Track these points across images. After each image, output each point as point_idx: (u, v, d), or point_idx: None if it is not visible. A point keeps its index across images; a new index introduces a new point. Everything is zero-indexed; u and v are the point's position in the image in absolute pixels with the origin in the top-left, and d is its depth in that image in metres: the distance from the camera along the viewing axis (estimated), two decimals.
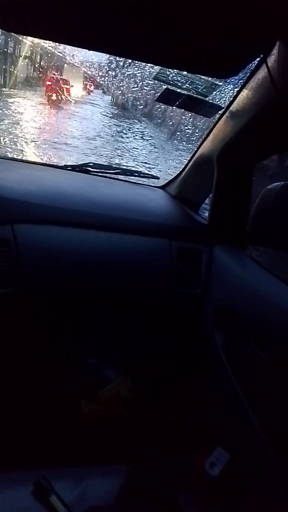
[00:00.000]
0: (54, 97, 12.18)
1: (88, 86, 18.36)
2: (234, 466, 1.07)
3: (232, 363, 1.11)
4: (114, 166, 1.69)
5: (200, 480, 1.08)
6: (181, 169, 1.54)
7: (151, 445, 1.23)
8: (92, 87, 18.65)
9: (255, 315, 1.04)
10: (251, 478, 1.00)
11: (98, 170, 1.59)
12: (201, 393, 1.33)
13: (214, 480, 1.06)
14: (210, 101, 1.20)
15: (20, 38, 13.25)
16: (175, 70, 1.12)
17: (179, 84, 1.16)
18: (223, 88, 1.16)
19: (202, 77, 1.11)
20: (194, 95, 1.18)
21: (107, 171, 1.61)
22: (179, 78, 1.14)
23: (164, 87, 1.18)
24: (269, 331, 0.98)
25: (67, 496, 0.88)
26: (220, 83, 1.13)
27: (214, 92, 1.17)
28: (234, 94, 1.10)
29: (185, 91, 1.18)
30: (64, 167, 1.60)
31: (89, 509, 0.88)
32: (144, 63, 1.33)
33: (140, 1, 0.69)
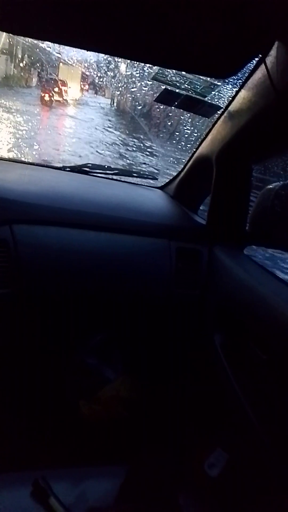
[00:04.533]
0: (47, 98, 11.91)
1: (83, 86, 18.02)
2: (234, 467, 1.07)
3: (231, 363, 1.11)
4: (113, 166, 1.68)
5: (199, 480, 1.08)
6: (179, 170, 1.54)
7: (150, 446, 1.23)
8: (86, 86, 18.38)
9: (254, 315, 1.04)
10: (250, 478, 1.00)
11: (96, 170, 1.59)
12: (200, 394, 1.33)
13: (213, 481, 1.06)
14: (209, 101, 1.20)
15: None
16: (174, 70, 1.12)
17: (178, 84, 1.16)
18: (222, 88, 1.16)
19: (201, 77, 1.12)
20: (193, 95, 1.18)
21: (105, 171, 1.61)
22: (178, 79, 1.15)
23: (163, 87, 1.18)
24: (268, 331, 0.98)
25: (66, 497, 0.88)
26: (219, 83, 1.14)
27: (213, 92, 1.17)
28: (233, 94, 1.10)
29: (184, 91, 1.18)
30: (63, 168, 1.60)
31: (88, 510, 0.87)
32: (143, 64, 1.34)
33: (139, 2, 0.69)
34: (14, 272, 1.10)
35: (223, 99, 1.18)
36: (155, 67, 1.13)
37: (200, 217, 1.46)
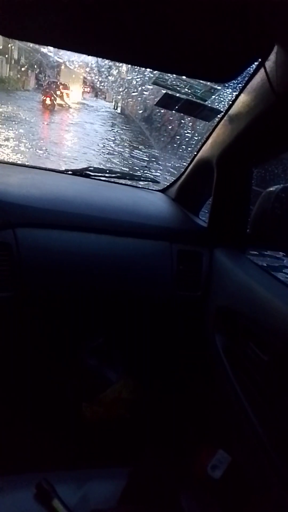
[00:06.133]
0: (48, 101, 11.77)
1: (84, 90, 17.91)
2: (236, 469, 1.07)
3: (232, 365, 1.12)
4: (114, 170, 1.69)
5: (202, 482, 1.08)
6: (181, 173, 1.55)
7: (152, 448, 1.23)
8: (88, 89, 18.35)
9: (255, 317, 1.04)
10: (253, 480, 1.00)
11: (98, 174, 1.60)
12: (202, 395, 1.33)
13: (216, 483, 1.06)
14: (209, 105, 1.21)
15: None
16: (174, 75, 1.13)
17: (178, 88, 1.17)
18: (222, 92, 1.17)
19: (201, 81, 1.13)
20: (193, 99, 1.19)
21: (107, 175, 1.62)
22: (178, 83, 1.16)
23: (164, 91, 1.19)
24: (269, 332, 0.98)
25: (69, 499, 0.88)
26: (219, 87, 1.15)
27: (213, 96, 1.18)
28: (232, 98, 1.11)
29: (184, 96, 1.19)
30: (65, 172, 1.61)
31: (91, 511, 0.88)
32: (144, 68, 1.35)
33: (139, 6, 0.70)
34: (17, 275, 1.11)
35: (223, 103, 1.19)
36: (156, 71, 1.14)
37: (201, 219, 1.47)
